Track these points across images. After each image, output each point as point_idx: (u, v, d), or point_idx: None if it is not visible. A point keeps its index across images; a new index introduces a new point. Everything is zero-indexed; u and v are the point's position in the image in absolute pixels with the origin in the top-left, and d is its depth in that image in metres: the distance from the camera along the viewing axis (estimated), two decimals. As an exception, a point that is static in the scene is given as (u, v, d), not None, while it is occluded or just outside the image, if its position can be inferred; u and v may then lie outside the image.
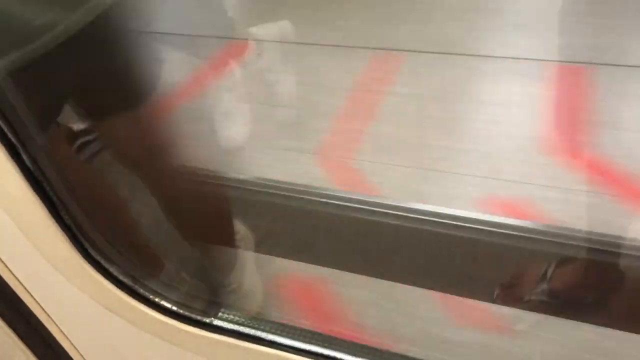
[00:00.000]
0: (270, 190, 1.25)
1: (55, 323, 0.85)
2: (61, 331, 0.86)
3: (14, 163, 0.62)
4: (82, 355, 0.90)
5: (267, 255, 1.21)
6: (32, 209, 0.65)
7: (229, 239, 1.19)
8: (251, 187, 1.25)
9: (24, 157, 0.63)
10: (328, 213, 1.21)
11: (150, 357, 0.83)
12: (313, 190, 1.25)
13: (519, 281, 1.11)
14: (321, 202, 1.22)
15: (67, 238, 0.68)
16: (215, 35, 1.48)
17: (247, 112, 1.51)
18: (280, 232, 1.21)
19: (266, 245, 1.19)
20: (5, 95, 0.61)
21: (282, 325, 0.73)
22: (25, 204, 0.65)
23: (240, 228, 1.22)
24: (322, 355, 0.70)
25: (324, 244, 1.18)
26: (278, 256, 1.21)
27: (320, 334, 0.72)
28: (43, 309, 0.83)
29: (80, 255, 0.70)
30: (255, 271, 1.22)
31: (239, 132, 1.47)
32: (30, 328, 0.88)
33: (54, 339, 0.87)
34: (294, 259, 1.20)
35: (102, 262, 0.72)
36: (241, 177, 1.27)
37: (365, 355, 0.69)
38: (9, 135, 0.61)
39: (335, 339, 0.71)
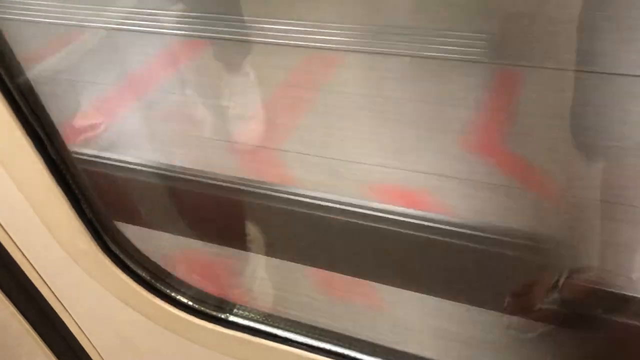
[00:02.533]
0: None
1: (70, 315, 0.86)
2: (76, 323, 0.87)
3: (40, 156, 0.63)
4: (95, 348, 0.91)
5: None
6: (56, 202, 0.66)
7: (240, 241, 1.20)
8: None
9: (50, 151, 0.64)
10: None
11: (165, 351, 0.84)
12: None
13: (530, 290, 1.11)
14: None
15: (88, 232, 0.70)
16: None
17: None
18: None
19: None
20: (34, 93, 0.62)
21: (297, 322, 0.74)
22: (50, 196, 0.66)
23: (251, 230, 1.24)
24: (335, 353, 0.71)
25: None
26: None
27: (334, 332, 0.73)
28: (59, 300, 0.84)
29: (100, 249, 0.71)
30: (266, 274, 1.23)
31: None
32: (45, 319, 0.89)
33: (68, 330, 0.89)
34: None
35: (121, 256, 0.73)
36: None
37: (380, 355, 0.70)
38: (37, 129, 0.62)
39: (351, 338, 0.72)
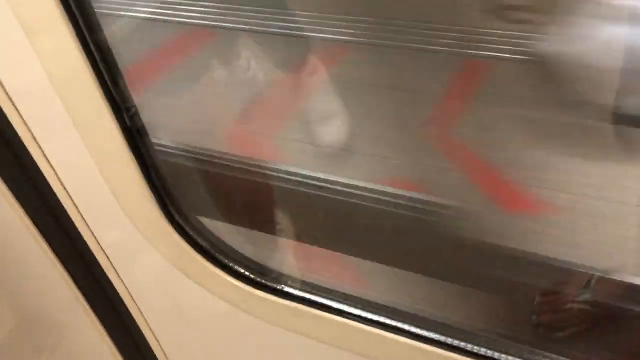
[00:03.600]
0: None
1: (124, 283, 0.88)
2: (128, 292, 0.89)
3: (116, 123, 0.65)
4: (146, 320, 0.93)
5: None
6: (128, 169, 0.69)
7: (271, 228, 1.21)
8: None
9: (126, 118, 0.66)
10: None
11: (217, 323, 0.86)
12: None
13: (561, 289, 1.12)
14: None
15: (154, 199, 0.72)
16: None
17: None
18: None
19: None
20: (113, 59, 0.65)
21: (351, 295, 0.76)
22: (121, 162, 0.68)
23: (282, 219, 1.25)
24: (388, 325, 0.73)
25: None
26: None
27: (386, 306, 0.75)
28: (114, 268, 0.86)
29: (165, 218, 0.74)
30: (294, 261, 1.24)
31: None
32: (97, 287, 0.91)
33: (119, 298, 0.91)
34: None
35: (184, 225, 0.75)
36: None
37: (435, 329, 0.72)
38: (115, 96, 0.64)
39: (402, 312, 0.74)
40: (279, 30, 1.52)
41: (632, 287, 1.09)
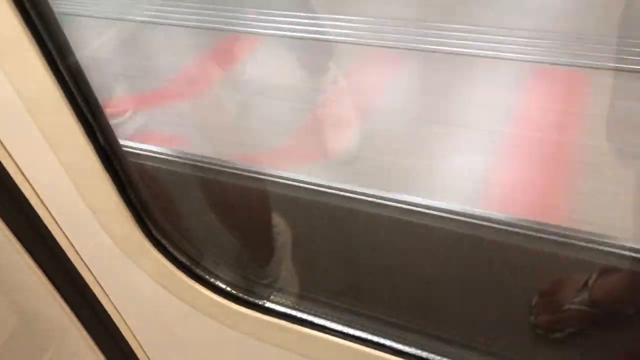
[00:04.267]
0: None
1: (109, 298, 0.88)
2: (114, 307, 0.89)
3: (89, 142, 0.64)
4: (132, 331, 0.93)
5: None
6: (103, 186, 0.68)
7: (267, 233, 1.21)
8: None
9: (99, 136, 0.65)
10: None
11: (201, 337, 0.86)
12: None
13: (559, 289, 1.11)
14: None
15: (132, 217, 0.71)
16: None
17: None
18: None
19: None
20: (84, 78, 0.64)
21: (334, 310, 0.75)
22: (97, 181, 0.68)
23: (278, 222, 1.25)
24: (373, 342, 0.72)
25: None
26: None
27: (374, 321, 0.74)
28: (99, 283, 0.86)
29: (143, 234, 0.73)
30: (292, 266, 1.24)
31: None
32: (83, 302, 0.91)
33: (106, 314, 0.91)
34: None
35: (163, 241, 0.75)
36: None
37: (418, 345, 0.71)
38: (87, 115, 0.64)
39: (390, 328, 0.73)
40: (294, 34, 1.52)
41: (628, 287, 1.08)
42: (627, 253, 1.09)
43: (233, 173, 1.22)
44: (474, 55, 1.52)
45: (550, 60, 1.47)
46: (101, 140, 0.66)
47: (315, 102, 1.52)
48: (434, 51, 1.55)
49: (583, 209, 1.27)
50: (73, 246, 0.80)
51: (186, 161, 1.08)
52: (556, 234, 1.15)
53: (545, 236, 1.15)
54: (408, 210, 1.23)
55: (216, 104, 1.59)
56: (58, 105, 0.61)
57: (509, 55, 1.49)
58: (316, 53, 1.54)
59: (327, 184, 1.31)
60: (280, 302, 0.77)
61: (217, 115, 1.54)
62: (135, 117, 1.48)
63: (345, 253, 1.19)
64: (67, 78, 0.61)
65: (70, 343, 1.04)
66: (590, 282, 1.05)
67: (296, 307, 0.76)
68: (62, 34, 0.59)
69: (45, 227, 0.79)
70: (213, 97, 1.60)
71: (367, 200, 1.27)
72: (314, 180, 1.32)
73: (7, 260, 0.92)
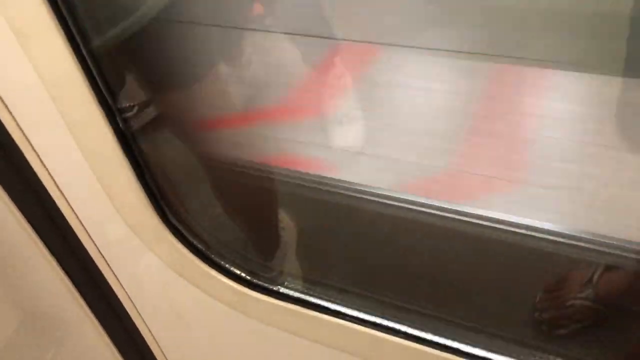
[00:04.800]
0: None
1: (122, 286, 0.89)
2: (127, 294, 0.90)
3: (110, 127, 0.65)
4: (145, 322, 0.93)
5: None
6: (121, 171, 0.69)
7: (272, 227, 1.22)
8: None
9: (119, 122, 0.66)
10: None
11: (215, 324, 0.86)
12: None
13: (564, 285, 1.11)
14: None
15: (149, 202, 0.72)
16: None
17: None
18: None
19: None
20: (108, 64, 0.65)
21: (348, 296, 0.76)
22: (115, 166, 0.69)
23: (283, 217, 1.26)
24: (387, 327, 0.73)
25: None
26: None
27: (387, 307, 0.75)
28: (112, 270, 0.87)
29: (160, 220, 0.74)
30: (296, 261, 1.25)
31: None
32: (95, 289, 0.92)
33: (118, 301, 0.91)
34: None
35: (179, 227, 0.76)
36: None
37: (432, 329, 0.72)
38: (108, 100, 0.64)
39: (402, 312, 0.74)
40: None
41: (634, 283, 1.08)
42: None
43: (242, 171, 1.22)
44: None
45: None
46: (121, 124, 0.66)
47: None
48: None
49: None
50: (88, 233, 0.81)
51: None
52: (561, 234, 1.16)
53: (545, 236, 1.16)
54: (415, 207, 1.24)
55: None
56: (80, 89, 0.62)
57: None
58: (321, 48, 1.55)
59: (332, 179, 1.32)
60: (295, 287, 0.78)
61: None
62: (141, 114, 1.47)
63: (353, 245, 1.20)
64: (89, 62, 0.61)
65: (81, 334, 1.05)
66: (595, 277, 1.06)
67: (310, 292, 0.77)
68: (86, 18, 0.60)
69: (61, 213, 0.79)
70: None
71: (373, 194, 1.28)
72: (318, 175, 1.33)
73: (19, 250, 0.92)
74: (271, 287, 0.78)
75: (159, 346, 0.99)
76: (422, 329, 0.73)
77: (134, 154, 0.69)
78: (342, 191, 1.30)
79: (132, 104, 1.53)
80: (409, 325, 0.73)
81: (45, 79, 0.62)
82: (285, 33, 1.55)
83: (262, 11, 1.55)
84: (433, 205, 1.23)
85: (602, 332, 1.04)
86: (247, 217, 1.14)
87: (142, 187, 0.71)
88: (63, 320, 1.10)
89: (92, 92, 0.62)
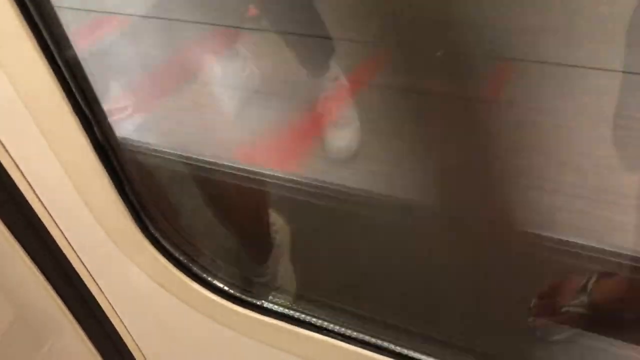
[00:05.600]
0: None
1: (105, 296, 0.87)
2: (110, 305, 0.88)
3: (87, 136, 0.63)
4: (128, 330, 0.92)
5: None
6: (100, 182, 0.67)
7: (265, 230, 1.20)
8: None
9: (97, 132, 0.64)
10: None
11: (199, 336, 0.85)
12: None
13: (558, 291, 1.10)
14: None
15: (129, 213, 0.70)
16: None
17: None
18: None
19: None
20: (82, 73, 0.63)
21: (334, 312, 0.74)
22: (93, 176, 0.67)
23: (277, 220, 1.24)
24: (372, 344, 0.71)
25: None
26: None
27: (372, 323, 0.73)
28: (95, 281, 0.85)
29: (140, 231, 0.72)
30: (290, 264, 1.23)
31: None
32: (79, 299, 0.90)
33: (102, 312, 0.90)
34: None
35: (160, 239, 0.74)
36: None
37: (414, 346, 0.71)
38: (84, 109, 0.62)
39: (389, 330, 0.72)
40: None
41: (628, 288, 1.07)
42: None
43: (230, 172, 1.21)
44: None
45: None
46: (99, 135, 0.65)
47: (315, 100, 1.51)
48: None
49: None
50: (68, 242, 0.79)
51: (184, 159, 1.07)
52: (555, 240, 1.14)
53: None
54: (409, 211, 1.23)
55: (214, 102, 1.58)
56: (56, 99, 0.60)
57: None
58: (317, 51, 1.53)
59: (326, 182, 1.30)
60: (279, 302, 0.76)
61: (216, 113, 1.53)
62: (135, 115, 1.46)
63: (343, 253, 1.19)
64: (65, 73, 0.59)
65: (64, 339, 1.03)
66: (590, 284, 1.05)
67: (295, 307, 0.75)
68: (61, 26, 0.58)
69: (41, 222, 0.78)
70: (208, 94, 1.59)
71: (366, 200, 1.26)
72: (312, 178, 1.31)
73: (2, 256, 0.91)
74: (255, 301, 0.76)
75: (142, 353, 0.97)
76: (407, 347, 0.72)
77: (112, 164, 0.67)
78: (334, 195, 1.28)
79: (125, 105, 1.51)
80: (394, 343, 0.72)
81: (19, 90, 0.60)
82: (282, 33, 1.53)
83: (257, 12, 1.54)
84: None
85: (596, 338, 1.03)
86: (236, 221, 1.12)
87: (121, 199, 0.69)
88: (49, 325, 1.08)
89: (67, 102, 0.60)
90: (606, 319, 1.06)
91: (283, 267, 1.22)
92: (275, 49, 1.55)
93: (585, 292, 1.04)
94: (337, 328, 0.73)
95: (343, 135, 1.46)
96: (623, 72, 1.12)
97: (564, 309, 1.06)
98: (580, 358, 1.04)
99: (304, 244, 1.21)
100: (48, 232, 0.79)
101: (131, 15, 1.66)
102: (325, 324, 0.73)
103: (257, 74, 1.60)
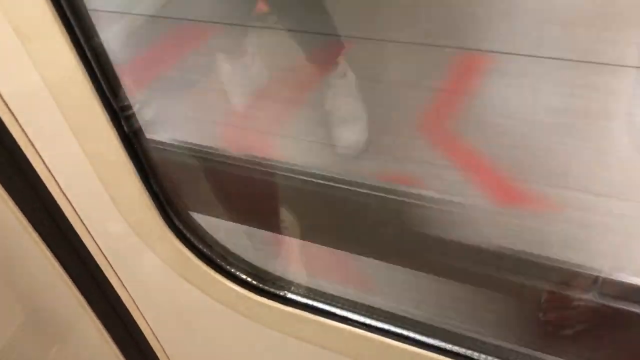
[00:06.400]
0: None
1: (125, 288, 0.88)
2: (131, 297, 0.89)
3: (114, 129, 0.64)
4: (148, 323, 0.92)
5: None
6: (126, 174, 0.67)
7: (275, 226, 1.20)
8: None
9: (124, 125, 0.65)
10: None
11: (219, 328, 0.85)
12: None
13: (568, 287, 1.10)
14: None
15: (154, 204, 0.71)
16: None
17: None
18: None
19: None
20: (110, 66, 0.63)
21: (355, 302, 0.75)
22: (120, 169, 0.67)
23: (286, 216, 1.24)
24: (395, 333, 0.72)
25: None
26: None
27: (391, 313, 0.74)
28: (116, 274, 0.85)
29: (164, 222, 0.73)
30: (299, 259, 1.23)
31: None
32: (99, 291, 0.90)
33: (122, 304, 0.90)
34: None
35: (184, 230, 0.74)
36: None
37: (437, 336, 0.71)
38: (112, 102, 0.63)
39: (408, 319, 0.73)
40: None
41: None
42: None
43: (243, 165, 1.21)
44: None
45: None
46: (125, 127, 0.65)
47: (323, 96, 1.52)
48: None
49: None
50: (91, 235, 0.80)
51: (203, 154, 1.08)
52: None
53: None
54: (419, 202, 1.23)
55: (223, 96, 1.59)
56: (84, 91, 0.60)
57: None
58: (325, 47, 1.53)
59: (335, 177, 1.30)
60: (302, 292, 0.76)
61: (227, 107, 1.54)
62: (144, 109, 1.46)
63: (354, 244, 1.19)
64: (93, 65, 0.60)
65: (83, 334, 1.04)
66: (601, 278, 1.05)
67: (317, 298, 0.76)
68: (87, 14, 0.58)
69: (63, 215, 0.78)
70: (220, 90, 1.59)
71: (376, 194, 1.27)
72: (322, 174, 1.32)
73: (20, 249, 0.91)
74: (277, 292, 0.76)
75: (161, 346, 0.98)
76: (428, 335, 0.72)
77: (138, 156, 0.67)
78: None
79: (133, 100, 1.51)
80: (418, 332, 0.72)
81: (47, 81, 0.60)
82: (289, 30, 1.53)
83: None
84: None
85: (607, 332, 1.03)
86: (251, 214, 1.12)
87: (146, 189, 0.69)
88: (65, 318, 1.09)
89: (96, 94, 0.61)
90: (618, 313, 1.06)
91: (293, 263, 1.22)
92: (284, 46, 1.56)
93: (596, 286, 1.04)
94: (361, 318, 0.73)
95: (352, 130, 1.47)
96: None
97: (574, 304, 1.06)
98: (590, 352, 1.04)
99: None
100: (71, 226, 0.79)
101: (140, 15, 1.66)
102: (349, 314, 0.73)
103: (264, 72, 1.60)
